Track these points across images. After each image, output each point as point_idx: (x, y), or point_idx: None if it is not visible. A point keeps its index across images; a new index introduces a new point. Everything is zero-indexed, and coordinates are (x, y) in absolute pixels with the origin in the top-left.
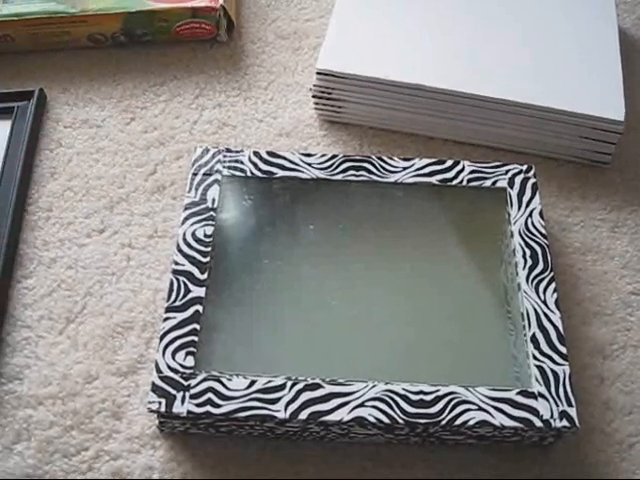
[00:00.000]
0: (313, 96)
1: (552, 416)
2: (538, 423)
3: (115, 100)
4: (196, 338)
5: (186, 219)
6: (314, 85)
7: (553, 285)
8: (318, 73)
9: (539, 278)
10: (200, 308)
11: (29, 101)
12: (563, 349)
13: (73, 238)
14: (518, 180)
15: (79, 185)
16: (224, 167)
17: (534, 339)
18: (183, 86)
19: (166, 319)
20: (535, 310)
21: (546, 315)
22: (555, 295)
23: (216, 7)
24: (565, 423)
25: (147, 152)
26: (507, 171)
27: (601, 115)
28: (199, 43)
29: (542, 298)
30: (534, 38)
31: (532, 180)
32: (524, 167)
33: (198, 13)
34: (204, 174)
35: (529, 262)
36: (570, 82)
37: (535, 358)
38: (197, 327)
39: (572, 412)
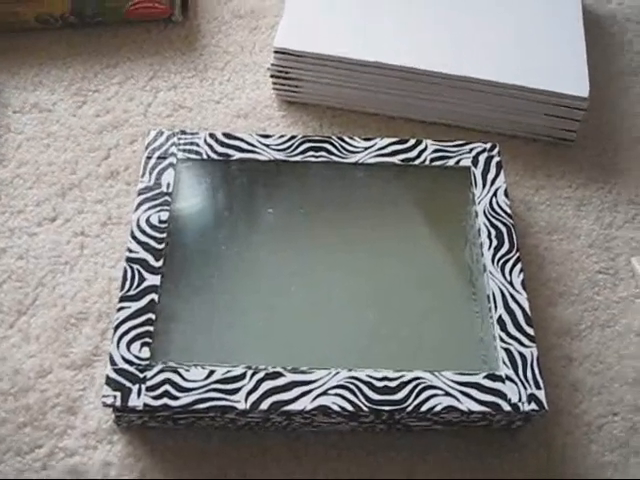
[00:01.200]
0: (271, 76)
1: (520, 400)
2: (506, 407)
3: (66, 83)
4: (152, 328)
5: (140, 205)
6: (272, 64)
7: (519, 266)
8: (275, 52)
9: (505, 259)
10: (155, 297)
11: None
12: (530, 331)
13: (23, 227)
14: (482, 159)
15: (29, 172)
16: (179, 150)
17: (500, 321)
18: (137, 68)
19: (120, 309)
20: (501, 291)
21: (512, 296)
22: (521, 276)
23: None
24: (534, 406)
25: (100, 136)
26: (471, 150)
27: (565, 92)
28: (153, 23)
29: (508, 279)
30: (498, 16)
31: (496, 159)
32: (488, 145)
33: None
34: (158, 157)
35: (494, 242)
36: (533, 59)
37: (502, 340)
38: (152, 317)
39: (541, 395)
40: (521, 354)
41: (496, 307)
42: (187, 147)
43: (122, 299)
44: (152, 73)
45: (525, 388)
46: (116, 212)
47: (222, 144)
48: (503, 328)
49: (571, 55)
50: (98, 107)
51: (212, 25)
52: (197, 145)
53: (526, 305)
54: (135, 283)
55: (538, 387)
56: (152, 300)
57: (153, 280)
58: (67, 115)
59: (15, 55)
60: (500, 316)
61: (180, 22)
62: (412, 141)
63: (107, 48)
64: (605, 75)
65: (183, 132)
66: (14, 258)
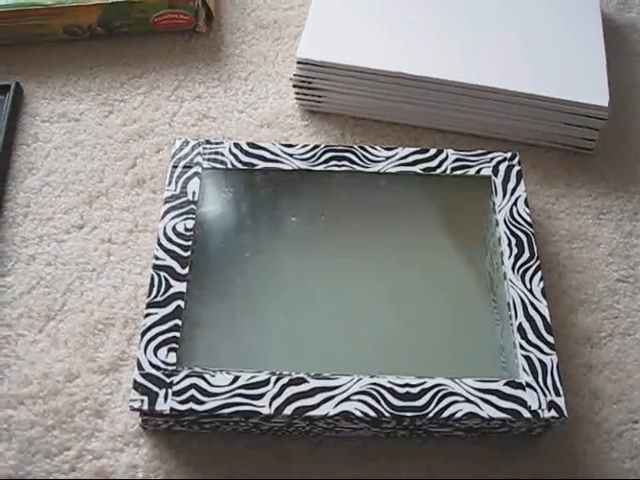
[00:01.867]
0: (294, 86)
1: (540, 407)
2: (526, 414)
3: (93, 93)
4: (178, 334)
5: (166, 213)
6: (294, 74)
7: (539, 274)
8: (298, 62)
9: (525, 267)
10: (182, 303)
11: (5, 95)
12: (550, 338)
13: (52, 234)
14: (502, 168)
15: (57, 180)
16: (204, 159)
17: (521, 329)
18: (162, 78)
19: (147, 315)
20: (521, 299)
21: (532, 304)
22: (541, 284)
23: None
24: (553, 413)
25: (126, 145)
26: (491, 159)
27: (585, 101)
28: (178, 34)
29: (528, 287)
30: (517, 25)
31: (516, 168)
32: (508, 155)
33: (176, 3)
34: (184, 167)
35: (515, 251)
36: (554, 68)
37: (522, 348)
38: (179, 323)
39: (560, 402)
40: (541, 361)
41: (516, 315)
42: (212, 156)
43: (149, 305)
44: (177, 83)
45: (545, 395)
46: (142, 220)
47: (246, 153)
48: (523, 336)
49: (591, 64)
50: (124, 116)
51: (236, 36)
52: (222, 154)
53: (546, 313)
54: (162, 290)
55: (558, 394)
56: (178, 306)
57: (179, 287)
58: (94, 124)
59: (43, 65)
60: (520, 324)
61: (204, 33)
62: (433, 150)
63: (133, 58)
64: (625, 84)
65: (208, 142)
66: (43, 264)
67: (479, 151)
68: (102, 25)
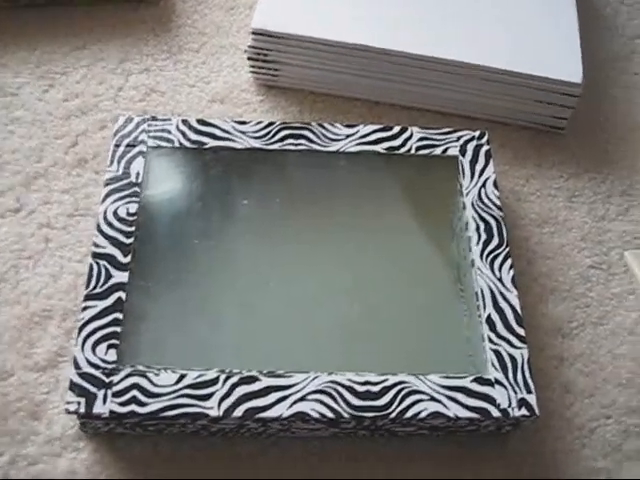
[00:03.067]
0: (249, 58)
1: (510, 405)
2: (495, 413)
3: (32, 65)
4: (119, 329)
5: (107, 196)
6: (249, 46)
7: (509, 261)
8: (253, 33)
9: (494, 254)
10: (123, 295)
11: None
12: (521, 331)
13: None
14: (470, 147)
15: None
16: (149, 137)
17: (490, 320)
18: (107, 50)
19: (85, 308)
20: (490, 289)
21: (502, 294)
22: (511, 272)
23: None
24: (524, 412)
25: (67, 122)
26: (459, 138)
27: (557, 77)
28: (126, 3)
29: (497, 275)
30: (487, 4)
31: (485, 147)
32: (477, 133)
33: None
34: (127, 145)
35: (483, 236)
36: (525, 43)
37: (491, 341)
38: (120, 317)
39: (531, 400)
40: (511, 356)
41: (485, 306)
42: (158, 134)
43: (87, 297)
44: (123, 55)
45: (515, 392)
46: (84, 203)
47: (195, 131)
48: (492, 328)
49: (564, 40)
50: (66, 91)
51: (187, 5)
52: (169, 132)
53: (517, 304)
54: (101, 280)
55: (529, 391)
56: (119, 299)
57: (121, 277)
58: (33, 99)
59: None
60: (489, 315)
61: (154, 2)
62: (397, 128)
63: (76, 29)
64: (598, 60)
65: (154, 118)
66: None
67: (446, 129)
68: None
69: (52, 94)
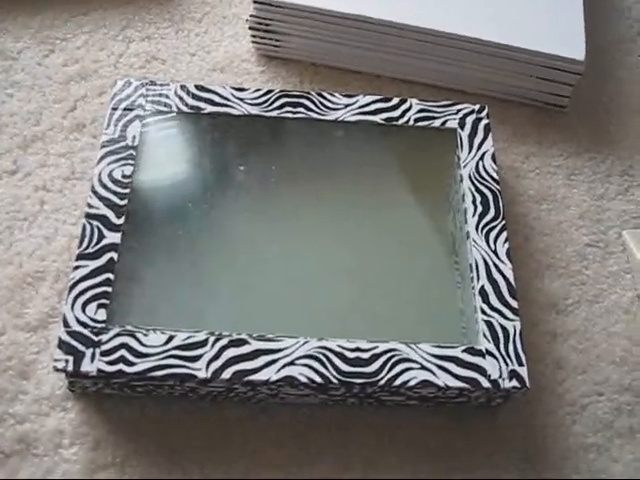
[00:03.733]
0: (250, 28)
1: (501, 376)
2: (486, 383)
3: (33, 30)
4: (109, 289)
5: (102, 158)
6: (251, 16)
7: (504, 234)
8: (255, 2)
9: (490, 226)
10: (115, 256)
11: None
12: (514, 303)
13: None
14: (470, 121)
15: None
16: (147, 102)
17: (483, 292)
18: (109, 17)
19: (77, 267)
20: (485, 260)
21: (496, 266)
22: (506, 245)
23: None
24: (515, 383)
25: (66, 87)
26: (458, 111)
27: (559, 54)
28: None
29: (492, 248)
30: None
31: (485, 121)
32: (476, 107)
33: None
34: (125, 109)
35: (479, 209)
36: (527, 19)
37: (484, 312)
38: (111, 277)
39: (522, 372)
40: (503, 327)
41: (479, 277)
42: (156, 99)
43: (79, 257)
44: (125, 22)
45: (506, 364)
46: (80, 167)
47: (194, 96)
48: (485, 300)
49: (567, 16)
50: (66, 56)
51: None
52: (167, 97)
53: (510, 276)
54: (94, 241)
55: (520, 363)
56: (111, 259)
57: (113, 238)
58: (33, 64)
59: None
60: (482, 287)
61: None
62: (396, 100)
63: None
64: (602, 41)
65: (152, 83)
66: None
67: (445, 102)
68: None
69: (52, 59)
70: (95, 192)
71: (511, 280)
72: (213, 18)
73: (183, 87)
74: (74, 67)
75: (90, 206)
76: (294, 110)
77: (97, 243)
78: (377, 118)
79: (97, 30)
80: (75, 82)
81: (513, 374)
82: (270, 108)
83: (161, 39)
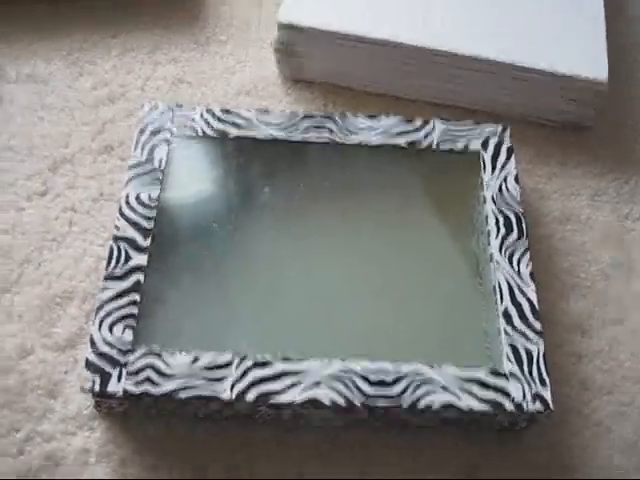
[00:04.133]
0: (275, 51)
1: (524, 398)
2: (510, 406)
3: (63, 53)
4: (136, 310)
5: (130, 180)
6: (275, 39)
7: (528, 255)
8: (279, 26)
9: (513, 248)
10: (141, 277)
11: None
12: (538, 325)
13: (12, 201)
14: (492, 142)
15: (21, 145)
16: (174, 125)
17: (506, 313)
18: (137, 40)
19: (104, 289)
20: (508, 282)
21: (520, 288)
22: (530, 266)
23: None
24: (538, 406)
25: (95, 110)
26: (481, 132)
27: (583, 74)
28: None
29: (516, 269)
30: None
31: (507, 142)
32: (499, 128)
33: None
34: (152, 132)
35: (502, 230)
36: (550, 39)
37: (507, 334)
38: (137, 298)
39: (546, 394)
40: (527, 350)
41: (502, 299)
42: (182, 122)
43: (106, 278)
44: (153, 46)
45: (530, 386)
46: (108, 188)
47: (219, 120)
48: (509, 321)
49: (590, 36)
50: (95, 79)
51: None
52: (193, 120)
53: (534, 298)
54: (121, 262)
55: (544, 385)
56: (138, 281)
57: (140, 260)
58: (63, 87)
59: (11, 24)
60: (506, 309)
61: None
62: (419, 121)
63: (108, 19)
64: (625, 60)
65: (179, 106)
66: (0, 233)
67: (468, 123)
68: None
69: (81, 82)
70: (122, 214)
71: (534, 302)
72: (238, 41)
73: (209, 110)
74: (103, 90)
75: (117, 228)
76: (318, 134)
77: (124, 265)
78: (401, 141)
79: (125, 53)
80: (104, 105)
81: (537, 396)
82: (294, 131)
83: (187, 62)
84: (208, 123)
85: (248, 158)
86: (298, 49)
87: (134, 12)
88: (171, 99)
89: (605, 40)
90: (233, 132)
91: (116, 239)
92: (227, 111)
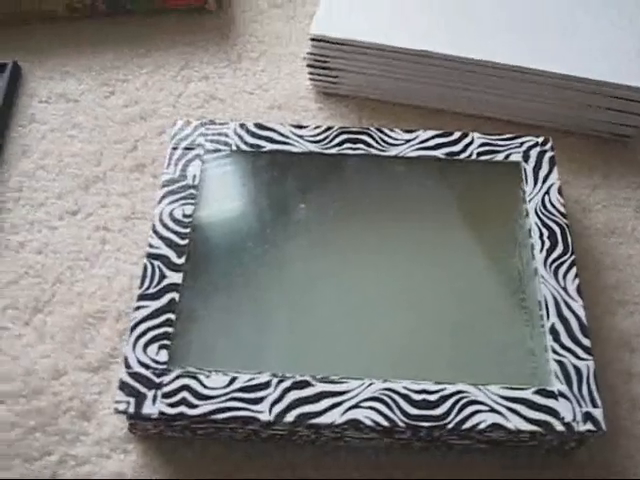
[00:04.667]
0: (308, 65)
1: (575, 419)
2: (559, 427)
3: (94, 73)
4: (171, 330)
5: (163, 197)
6: (308, 53)
7: (574, 270)
8: (312, 39)
9: (558, 262)
10: (176, 296)
11: (1, 75)
12: (587, 342)
13: (44, 220)
14: (534, 153)
15: (52, 163)
16: (207, 141)
17: (553, 330)
18: (168, 57)
19: (138, 308)
20: (554, 297)
21: (566, 303)
22: (576, 281)
23: None
24: (589, 426)
25: (127, 127)
26: (521, 144)
27: (626, 83)
28: (186, 12)
29: (562, 284)
30: (551, 2)
31: (549, 153)
32: (540, 139)
33: None
34: (185, 148)
35: (547, 244)
36: (591, 48)
37: (555, 352)
38: (172, 317)
39: (597, 414)
40: (576, 368)
41: (548, 315)
42: (215, 137)
43: (140, 297)
44: (184, 63)
45: (580, 406)
46: (141, 206)
47: (253, 135)
48: (556, 338)
49: (633, 44)
50: (126, 97)
51: (247, 14)
52: (226, 135)
53: (582, 313)
54: (155, 281)
55: (595, 405)
56: (172, 299)
57: (174, 278)
58: (94, 105)
59: (42, 44)
60: (553, 325)
61: (214, 11)
62: (457, 134)
63: (138, 37)
64: None
65: (212, 122)
66: (33, 252)
67: (508, 135)
68: (106, 1)
69: (112, 100)
70: (156, 232)
71: (583, 318)
72: (270, 57)
73: (242, 125)
74: (134, 108)
75: (151, 246)
76: (354, 146)
77: (158, 283)
78: (438, 153)
79: (156, 70)
80: (135, 123)
81: (587, 416)
82: (330, 145)
83: (219, 78)
84: (241, 138)
85: (283, 172)
86: (331, 62)
87: (165, 31)
88: (203, 116)
89: None
90: (267, 146)
91: (150, 256)
92: (260, 126)
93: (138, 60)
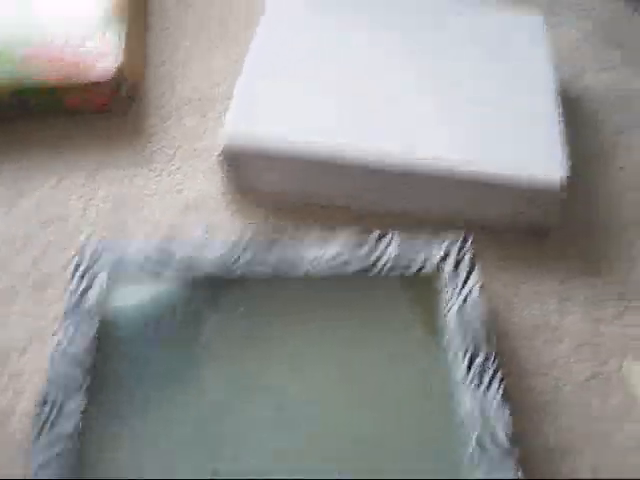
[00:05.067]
0: (221, 165)
1: None
2: None
3: None
4: None
5: (64, 321)
6: (221, 153)
7: (499, 376)
8: (225, 140)
9: (481, 369)
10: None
11: None
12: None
13: None
14: (453, 255)
15: None
16: (109, 261)
17: (479, 439)
18: (77, 161)
19: None
20: (480, 406)
21: (491, 411)
22: (502, 387)
23: (110, 78)
24: None
25: (30, 241)
26: (439, 245)
27: (540, 178)
28: (94, 114)
29: (486, 390)
30: (464, 97)
31: (469, 254)
32: (459, 239)
33: (90, 86)
34: (87, 268)
35: (470, 349)
36: (504, 143)
37: (481, 462)
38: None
39: None
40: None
41: (474, 424)
42: (119, 256)
43: None
44: (95, 165)
45: None
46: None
47: (158, 252)
48: (483, 449)
49: (546, 137)
50: (31, 205)
51: (161, 111)
52: (130, 254)
53: (508, 421)
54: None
55: None
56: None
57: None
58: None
59: None
60: (479, 435)
61: (125, 111)
62: (372, 239)
63: (43, 142)
64: (581, 158)
65: (114, 240)
66: None
67: (426, 236)
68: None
69: (14, 212)
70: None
71: (508, 425)
72: (183, 156)
73: (146, 243)
74: (38, 218)
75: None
76: (261, 267)
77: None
78: (349, 269)
79: (65, 176)
80: (35, 236)
81: None
82: (236, 266)
83: (131, 180)
84: (147, 257)
85: (188, 294)
86: (245, 163)
87: (73, 134)
88: (113, 222)
89: (562, 141)
90: (168, 272)
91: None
92: (164, 243)
93: (43, 167)
